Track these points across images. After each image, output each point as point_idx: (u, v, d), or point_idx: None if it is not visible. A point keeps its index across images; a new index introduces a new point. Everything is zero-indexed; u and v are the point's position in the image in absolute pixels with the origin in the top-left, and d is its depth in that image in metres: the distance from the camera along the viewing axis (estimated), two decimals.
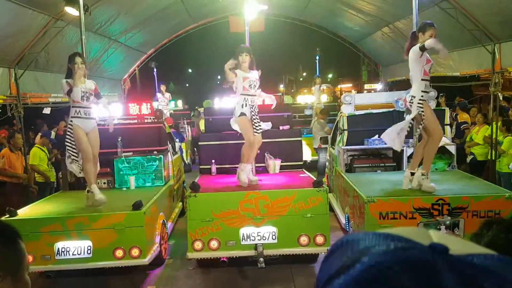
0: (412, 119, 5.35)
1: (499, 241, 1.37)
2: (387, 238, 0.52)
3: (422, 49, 5.11)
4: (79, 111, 5.68)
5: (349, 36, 16.29)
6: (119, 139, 6.93)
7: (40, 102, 9.71)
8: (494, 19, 7.89)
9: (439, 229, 5.08)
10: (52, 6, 8.03)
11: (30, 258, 5.31)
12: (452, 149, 6.90)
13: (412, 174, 5.60)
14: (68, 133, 5.75)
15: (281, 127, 7.49)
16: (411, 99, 5.34)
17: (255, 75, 5.93)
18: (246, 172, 5.99)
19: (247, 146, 5.95)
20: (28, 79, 8.80)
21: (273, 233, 5.53)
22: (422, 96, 5.29)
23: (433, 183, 5.44)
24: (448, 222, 5.10)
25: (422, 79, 5.31)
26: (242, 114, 5.84)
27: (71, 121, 5.70)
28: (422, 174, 5.50)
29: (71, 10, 7.63)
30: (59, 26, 8.78)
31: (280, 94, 8.19)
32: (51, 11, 8.25)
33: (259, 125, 5.94)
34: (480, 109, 11.15)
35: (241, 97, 5.87)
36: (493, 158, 8.12)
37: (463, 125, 9.76)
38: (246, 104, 5.84)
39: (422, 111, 5.25)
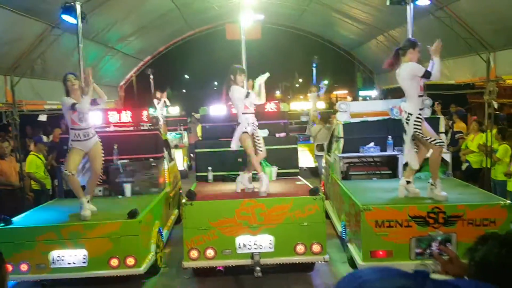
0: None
1: (491, 256, 1.38)
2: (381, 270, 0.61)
3: (428, 77, 5.19)
4: (78, 134, 5.67)
5: (344, 44, 16.39)
6: (115, 147, 6.91)
7: (36, 109, 9.70)
8: (489, 28, 7.96)
9: (431, 245, 5.10)
10: (49, 14, 8.04)
11: (25, 266, 5.29)
12: (447, 157, 6.92)
13: (408, 182, 5.64)
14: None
15: (277, 135, 7.51)
16: (408, 117, 5.39)
17: (252, 94, 5.98)
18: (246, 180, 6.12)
19: (254, 156, 5.97)
20: (24, 86, 8.79)
21: (270, 242, 5.51)
22: (419, 114, 5.35)
23: (445, 192, 5.45)
24: (440, 238, 5.11)
25: (419, 96, 5.37)
26: (244, 132, 5.90)
27: (71, 144, 5.72)
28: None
29: (68, 18, 7.64)
30: (56, 33, 8.79)
31: (277, 101, 8.27)
32: (47, 19, 8.27)
33: (261, 145, 6.00)
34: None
35: (243, 117, 5.91)
36: (488, 166, 8.15)
37: (458, 134, 9.80)
38: (248, 124, 5.91)
39: (420, 130, 5.33)
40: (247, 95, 5.86)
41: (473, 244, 1.48)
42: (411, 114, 5.36)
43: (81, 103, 5.54)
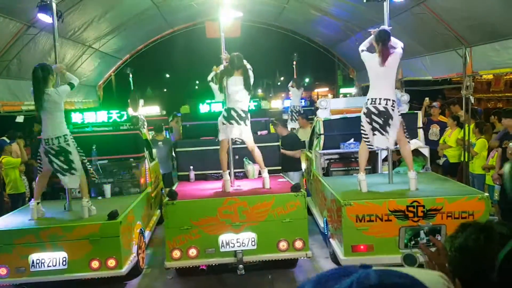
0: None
1: (470, 241, 1.42)
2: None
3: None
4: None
5: (323, 42, 16.46)
6: (94, 147, 6.81)
7: (13, 110, 9.49)
8: (464, 24, 8.08)
9: (419, 234, 5.16)
10: (24, 13, 7.88)
11: (5, 270, 5.19)
12: (426, 151, 7.02)
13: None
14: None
15: (259, 133, 7.50)
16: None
17: None
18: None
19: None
20: (0, 87, 8.61)
21: (253, 239, 5.51)
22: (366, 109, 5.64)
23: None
24: (427, 228, 5.15)
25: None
26: None
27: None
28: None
29: (44, 17, 7.48)
30: (31, 33, 8.62)
31: (258, 99, 8.29)
32: (22, 18, 8.09)
33: None
34: (451, 112, 11.33)
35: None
36: (466, 160, 8.29)
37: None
38: None
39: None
40: None
41: (454, 231, 1.51)
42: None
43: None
